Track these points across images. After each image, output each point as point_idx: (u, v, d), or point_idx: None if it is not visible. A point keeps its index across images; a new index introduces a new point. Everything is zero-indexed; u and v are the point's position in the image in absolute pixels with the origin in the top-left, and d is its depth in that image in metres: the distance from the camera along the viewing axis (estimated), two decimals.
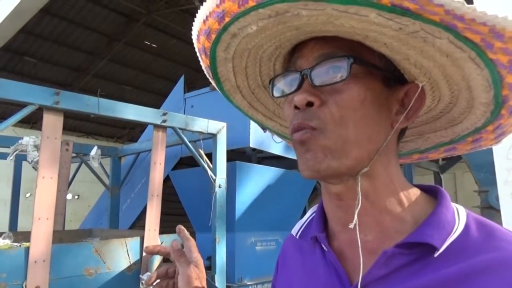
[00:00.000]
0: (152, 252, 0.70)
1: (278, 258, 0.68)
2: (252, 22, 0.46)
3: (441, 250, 0.45)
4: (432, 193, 0.53)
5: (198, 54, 0.58)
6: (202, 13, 0.49)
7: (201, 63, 0.59)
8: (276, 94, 0.54)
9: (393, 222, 0.49)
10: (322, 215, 0.57)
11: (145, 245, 2.40)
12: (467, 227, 0.47)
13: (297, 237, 0.62)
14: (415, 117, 0.51)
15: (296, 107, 0.48)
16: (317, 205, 0.60)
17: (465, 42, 0.40)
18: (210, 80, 0.63)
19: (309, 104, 0.47)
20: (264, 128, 0.71)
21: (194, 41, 0.55)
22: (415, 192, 0.51)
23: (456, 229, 0.46)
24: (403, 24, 0.40)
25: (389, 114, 0.50)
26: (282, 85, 0.53)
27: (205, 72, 0.61)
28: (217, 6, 0.46)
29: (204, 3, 0.47)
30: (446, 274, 0.43)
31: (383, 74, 0.48)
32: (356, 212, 0.48)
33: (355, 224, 0.48)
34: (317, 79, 0.48)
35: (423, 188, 0.53)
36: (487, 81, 0.44)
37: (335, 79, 0.46)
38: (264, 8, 0.43)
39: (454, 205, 0.50)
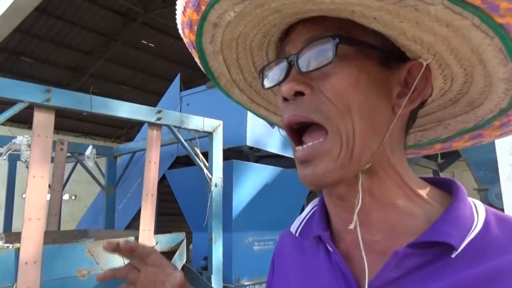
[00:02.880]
0: (113, 250, 0.60)
1: (273, 256, 0.63)
2: (228, 8, 0.43)
3: (459, 250, 0.40)
4: (445, 187, 0.48)
5: (189, 50, 0.55)
6: (180, 4, 0.47)
7: (195, 58, 0.57)
8: (267, 85, 0.50)
9: (403, 220, 0.44)
10: (324, 212, 0.52)
11: None
12: (486, 224, 0.42)
13: (296, 234, 0.57)
14: (420, 99, 0.46)
15: (285, 98, 0.44)
16: (317, 199, 0.56)
17: (463, 7, 0.34)
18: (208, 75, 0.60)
19: (299, 93, 0.44)
20: (271, 124, 0.67)
21: (181, 35, 0.53)
22: (426, 186, 0.47)
23: (475, 226, 0.42)
24: None
25: (389, 98, 0.45)
26: (272, 75, 0.49)
27: (201, 68, 0.58)
28: None
29: None
30: (466, 277, 0.39)
31: (379, 54, 0.44)
32: (356, 212, 0.44)
33: (355, 225, 0.44)
34: (304, 64, 0.44)
35: (435, 182, 0.49)
36: (501, 52, 0.38)
37: (322, 63, 0.42)
38: None
39: (471, 200, 0.46)
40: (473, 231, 0.41)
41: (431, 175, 5.73)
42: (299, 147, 0.44)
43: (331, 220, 0.51)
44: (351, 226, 0.43)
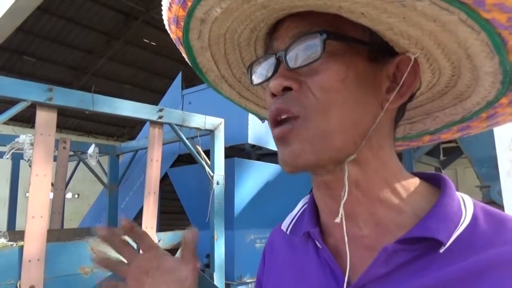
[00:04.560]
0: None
1: (264, 251, 0.63)
2: (215, 4, 0.43)
3: (447, 244, 0.40)
4: (434, 182, 0.48)
5: (177, 46, 0.55)
6: (166, 0, 0.46)
7: (183, 54, 0.56)
8: (255, 81, 0.50)
9: (390, 214, 0.44)
10: (314, 208, 0.52)
11: None
12: (474, 218, 0.42)
13: (287, 232, 0.57)
14: (409, 93, 0.46)
15: (273, 94, 0.45)
16: (308, 195, 0.56)
17: (450, 2, 0.35)
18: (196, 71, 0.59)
19: (287, 89, 0.44)
20: (261, 119, 0.67)
21: (168, 31, 0.52)
22: (414, 181, 0.47)
23: (463, 221, 0.42)
24: None
25: (378, 93, 0.45)
26: (261, 71, 0.49)
27: (189, 64, 0.58)
28: None
29: None
30: (454, 271, 0.39)
31: (368, 49, 0.44)
32: (342, 204, 0.44)
33: (341, 218, 0.44)
34: (292, 60, 0.44)
35: (424, 177, 0.49)
36: (487, 46, 0.38)
37: (310, 59, 0.42)
38: None
39: (459, 194, 0.46)
40: (461, 225, 0.41)
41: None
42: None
43: (321, 215, 0.51)
44: (338, 219, 0.43)
